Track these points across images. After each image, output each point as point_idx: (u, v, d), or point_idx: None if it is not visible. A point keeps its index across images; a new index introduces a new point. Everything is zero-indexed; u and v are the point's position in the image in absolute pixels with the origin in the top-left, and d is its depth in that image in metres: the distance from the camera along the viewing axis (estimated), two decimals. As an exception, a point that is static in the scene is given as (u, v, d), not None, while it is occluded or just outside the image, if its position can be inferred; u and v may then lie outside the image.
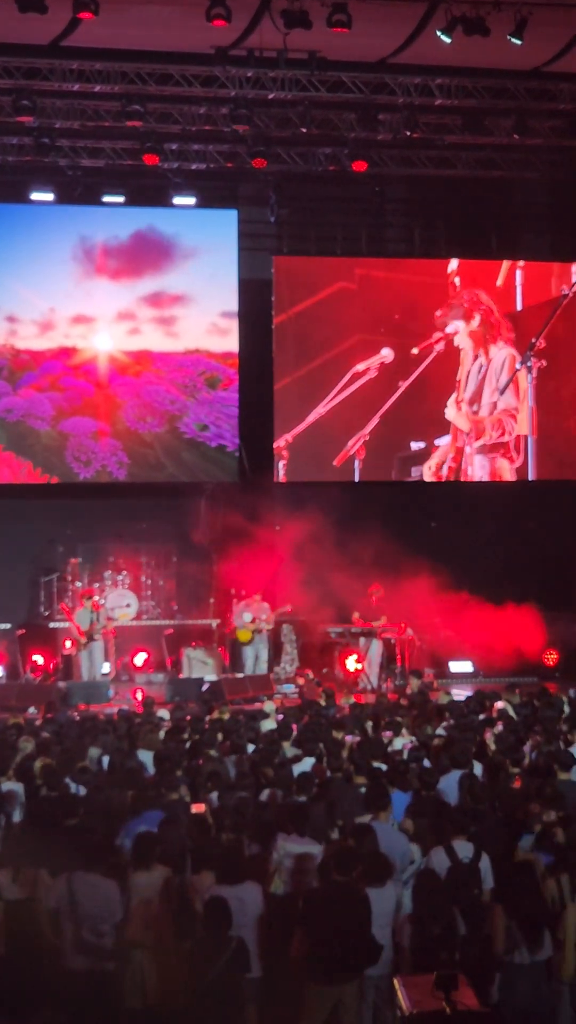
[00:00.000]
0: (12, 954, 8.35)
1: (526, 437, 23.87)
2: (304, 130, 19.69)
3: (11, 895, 8.59)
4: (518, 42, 16.71)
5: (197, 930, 8.01)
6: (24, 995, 8.20)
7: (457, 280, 23.58)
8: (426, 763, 11.42)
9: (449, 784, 10.68)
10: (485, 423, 23.76)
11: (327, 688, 17.73)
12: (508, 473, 23.81)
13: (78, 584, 21.40)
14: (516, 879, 8.21)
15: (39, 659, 20.62)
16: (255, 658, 20.39)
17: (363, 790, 10.41)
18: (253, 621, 20.34)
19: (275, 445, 22.71)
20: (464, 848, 8.88)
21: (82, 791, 10.89)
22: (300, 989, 8.05)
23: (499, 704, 14.87)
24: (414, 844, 9.44)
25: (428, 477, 23.56)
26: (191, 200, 22.05)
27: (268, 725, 14.07)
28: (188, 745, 12.53)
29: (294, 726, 13.55)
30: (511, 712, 14.39)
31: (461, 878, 8.71)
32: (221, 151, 21.23)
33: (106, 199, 21.94)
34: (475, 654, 20.95)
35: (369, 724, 13.86)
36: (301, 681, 19.83)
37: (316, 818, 9.62)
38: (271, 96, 19.02)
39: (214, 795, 10.59)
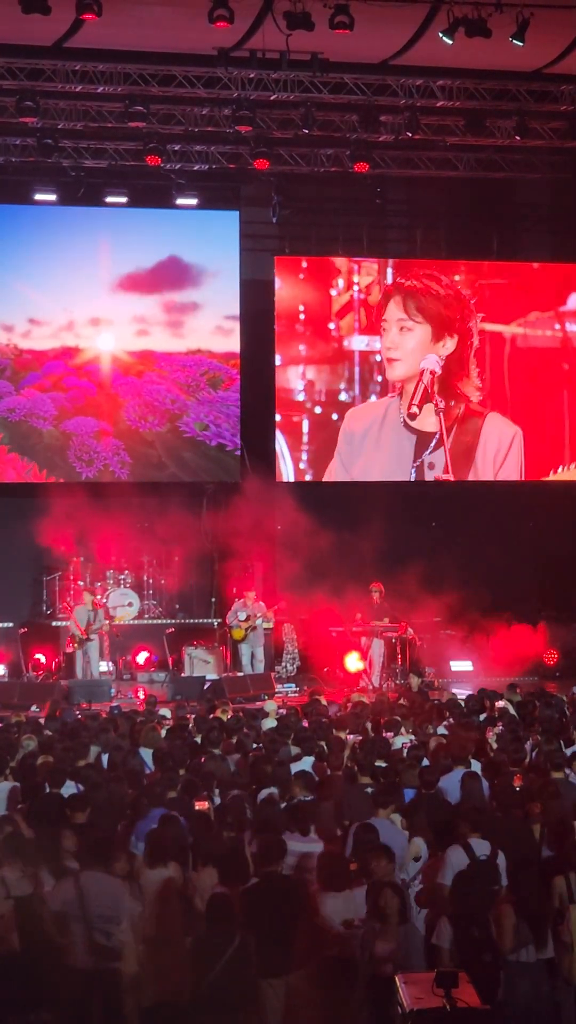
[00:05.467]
0: (25, 950, 8.39)
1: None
2: (306, 131, 19.70)
3: (20, 892, 8.63)
4: (520, 44, 16.75)
5: (199, 927, 8.07)
6: (36, 991, 8.23)
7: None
8: (425, 762, 11.48)
9: (451, 782, 10.74)
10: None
11: (315, 691, 17.69)
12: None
13: (80, 583, 21.47)
14: (524, 876, 8.26)
15: (41, 657, 20.69)
16: (251, 656, 20.46)
17: (369, 790, 10.48)
18: (247, 619, 20.40)
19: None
20: (481, 846, 8.94)
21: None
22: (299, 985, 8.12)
23: (500, 703, 14.94)
24: (419, 838, 9.49)
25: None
26: (193, 201, 22.10)
27: (269, 724, 14.14)
28: (190, 743, 12.59)
29: (305, 722, 13.63)
30: (512, 711, 14.46)
31: (480, 875, 8.77)
32: (223, 152, 21.27)
33: (109, 200, 22.00)
34: (476, 653, 21.01)
35: (369, 724, 13.93)
36: None
37: (322, 817, 9.68)
38: (273, 97, 19.06)
39: (215, 793, 10.66)
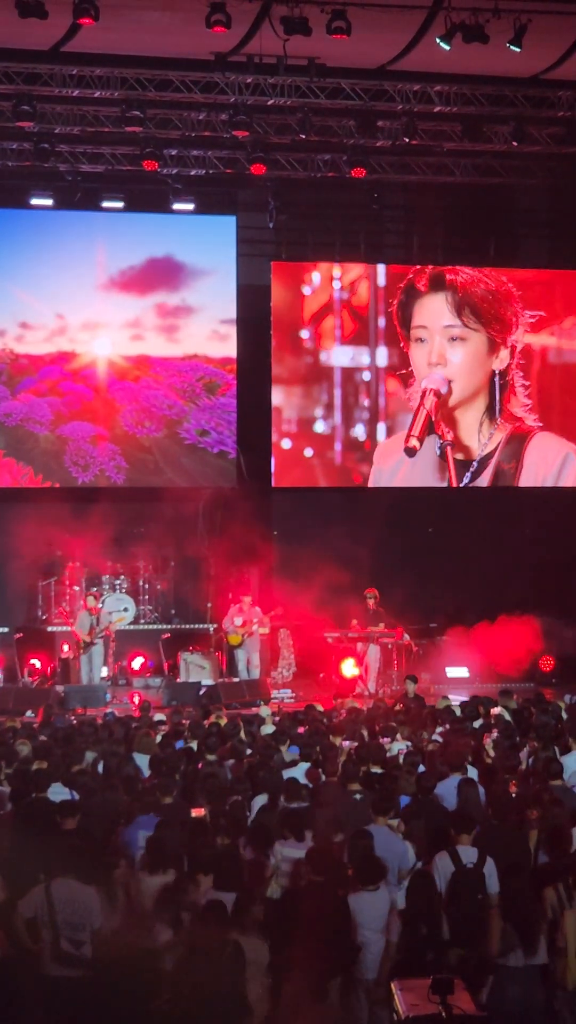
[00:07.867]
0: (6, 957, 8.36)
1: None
2: (303, 136, 19.70)
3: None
4: (517, 49, 16.73)
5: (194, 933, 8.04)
6: (17, 999, 8.19)
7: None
8: (421, 768, 11.44)
9: (447, 789, 10.71)
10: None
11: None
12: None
13: (75, 588, 21.44)
14: (513, 882, 8.25)
15: (37, 663, 20.64)
16: (247, 662, 20.43)
17: (358, 796, 10.44)
18: (243, 625, 20.37)
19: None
20: (468, 853, 8.90)
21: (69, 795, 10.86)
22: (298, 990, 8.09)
23: (496, 710, 14.91)
24: (409, 845, 9.46)
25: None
26: (190, 206, 22.10)
27: (267, 730, 14.12)
28: (185, 749, 12.55)
29: (300, 729, 13.60)
30: (507, 718, 14.43)
31: (466, 882, 8.73)
32: (220, 157, 21.25)
33: (105, 204, 21.99)
34: (472, 660, 20.98)
35: (364, 730, 13.89)
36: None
37: (317, 823, 9.65)
38: (270, 102, 19.04)
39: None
